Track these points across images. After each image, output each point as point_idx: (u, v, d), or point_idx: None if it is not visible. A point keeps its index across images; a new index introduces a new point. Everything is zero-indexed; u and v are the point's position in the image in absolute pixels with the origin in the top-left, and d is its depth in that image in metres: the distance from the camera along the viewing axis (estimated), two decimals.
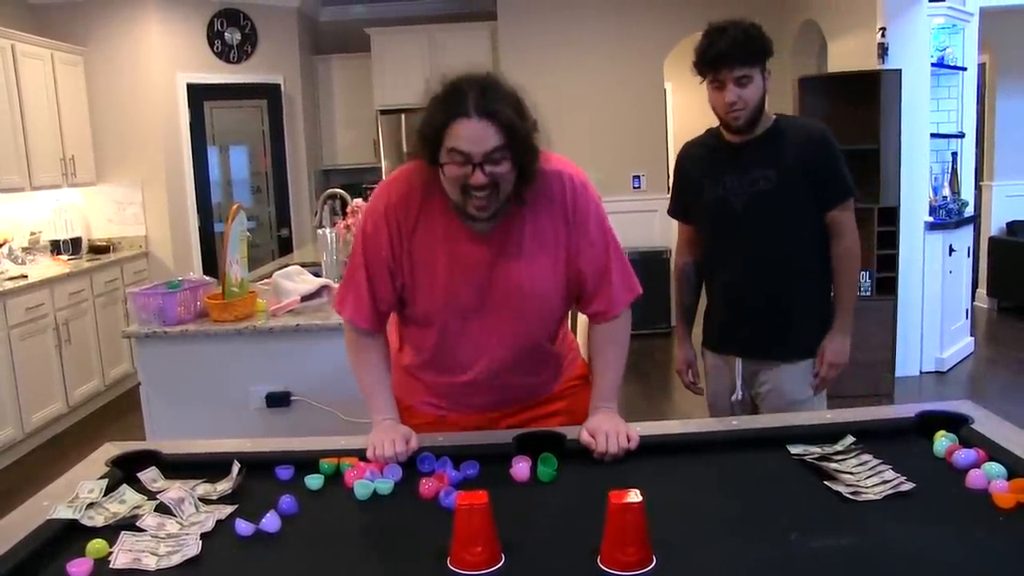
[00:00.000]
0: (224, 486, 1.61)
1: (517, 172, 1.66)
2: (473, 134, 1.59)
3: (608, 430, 1.70)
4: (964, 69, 5.75)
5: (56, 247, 5.80)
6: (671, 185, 2.60)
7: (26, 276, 4.96)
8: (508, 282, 1.78)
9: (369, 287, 1.82)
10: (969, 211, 5.88)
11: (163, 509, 1.51)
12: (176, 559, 1.33)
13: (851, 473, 1.56)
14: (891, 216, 5.06)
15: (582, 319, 2.15)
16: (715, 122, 2.41)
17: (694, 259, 2.58)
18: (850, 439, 1.70)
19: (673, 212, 2.60)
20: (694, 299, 2.63)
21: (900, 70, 5.06)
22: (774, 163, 2.31)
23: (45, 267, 5.38)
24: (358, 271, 1.84)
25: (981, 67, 7.07)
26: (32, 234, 5.75)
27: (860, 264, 2.44)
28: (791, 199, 2.32)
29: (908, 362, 5.40)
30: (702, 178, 2.42)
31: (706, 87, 2.31)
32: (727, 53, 2.21)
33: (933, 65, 5.43)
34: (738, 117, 2.27)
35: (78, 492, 1.55)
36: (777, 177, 2.30)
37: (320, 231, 3.83)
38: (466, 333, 1.83)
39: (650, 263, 6.89)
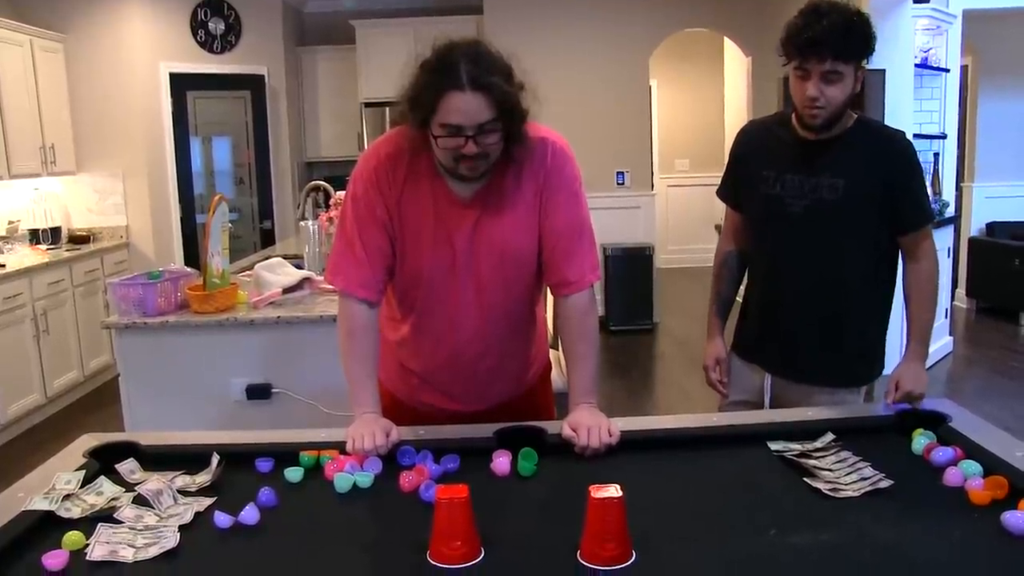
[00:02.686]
0: (203, 478, 1.60)
1: (506, 136, 1.69)
2: (466, 107, 1.61)
3: (590, 425, 1.71)
4: (947, 70, 5.80)
5: (35, 236, 5.74)
6: (726, 164, 2.33)
7: (3, 265, 4.91)
8: (490, 241, 1.81)
9: (366, 251, 1.81)
10: (950, 212, 5.93)
11: (141, 501, 1.49)
12: (154, 551, 1.32)
13: (830, 470, 1.57)
14: None
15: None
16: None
17: (738, 248, 2.32)
18: (830, 436, 1.72)
19: (722, 195, 2.34)
20: (733, 291, 2.37)
21: (884, 70, 5.09)
22: (844, 172, 2.03)
23: (23, 256, 5.32)
24: (351, 237, 1.83)
25: (963, 69, 7.13)
26: (10, 223, 5.69)
27: (938, 289, 2.13)
28: (856, 215, 2.04)
29: (888, 361, 5.42)
30: (760, 169, 2.15)
31: (790, 71, 2.01)
32: (820, 41, 1.90)
33: (916, 66, 5.46)
34: (816, 116, 1.98)
35: (54, 483, 1.53)
36: (845, 188, 2.02)
37: (303, 223, 3.81)
38: (452, 291, 1.84)
39: (634, 259, 6.93)
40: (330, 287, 3.16)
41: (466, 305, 1.85)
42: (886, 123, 2.15)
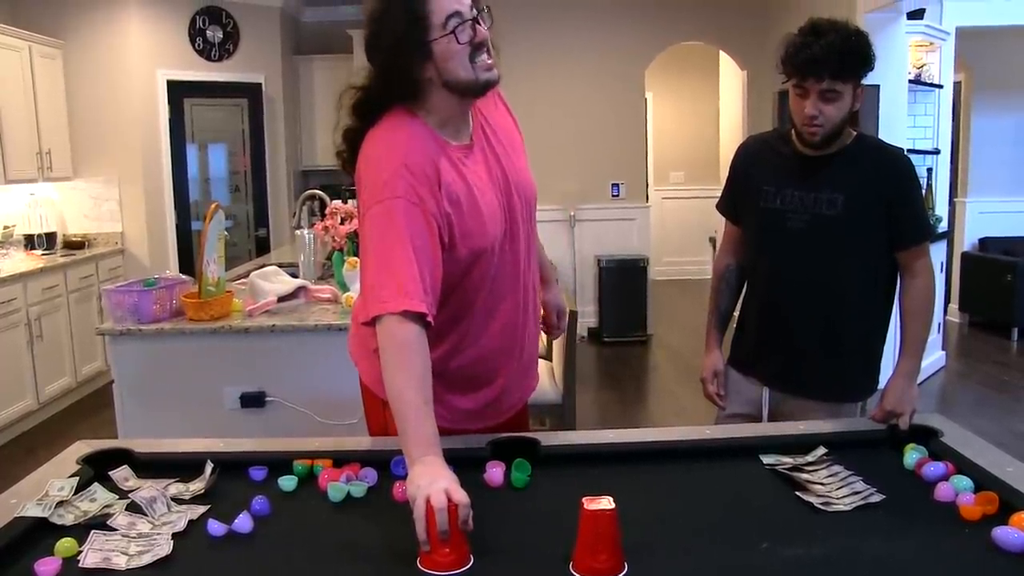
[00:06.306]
0: (197, 486, 1.60)
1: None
2: None
3: (560, 307, 2.10)
4: (940, 87, 5.83)
5: (30, 242, 5.73)
6: (726, 179, 2.35)
7: None
8: (520, 181, 1.82)
9: (418, 259, 1.57)
10: (943, 227, 5.96)
11: (134, 508, 1.49)
12: (147, 559, 1.32)
13: (822, 484, 1.58)
14: None
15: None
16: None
17: (737, 262, 2.34)
18: (822, 450, 1.72)
19: (722, 209, 2.36)
20: (731, 305, 2.39)
21: (878, 86, 5.12)
22: (844, 187, 2.06)
23: (18, 261, 5.32)
24: (397, 246, 1.57)
25: (957, 85, 7.17)
26: (5, 228, 5.68)
27: (934, 305, 2.18)
28: (856, 230, 2.07)
29: (881, 375, 5.44)
30: (760, 184, 2.17)
31: (790, 88, 2.05)
32: (817, 61, 1.95)
33: (910, 82, 5.50)
34: (815, 133, 2.02)
35: (48, 490, 1.53)
36: (844, 203, 2.05)
37: (298, 232, 3.83)
38: (504, 256, 1.78)
39: (628, 271, 6.95)
40: (325, 296, 3.18)
41: (515, 265, 1.82)
42: (881, 139, 2.19)
